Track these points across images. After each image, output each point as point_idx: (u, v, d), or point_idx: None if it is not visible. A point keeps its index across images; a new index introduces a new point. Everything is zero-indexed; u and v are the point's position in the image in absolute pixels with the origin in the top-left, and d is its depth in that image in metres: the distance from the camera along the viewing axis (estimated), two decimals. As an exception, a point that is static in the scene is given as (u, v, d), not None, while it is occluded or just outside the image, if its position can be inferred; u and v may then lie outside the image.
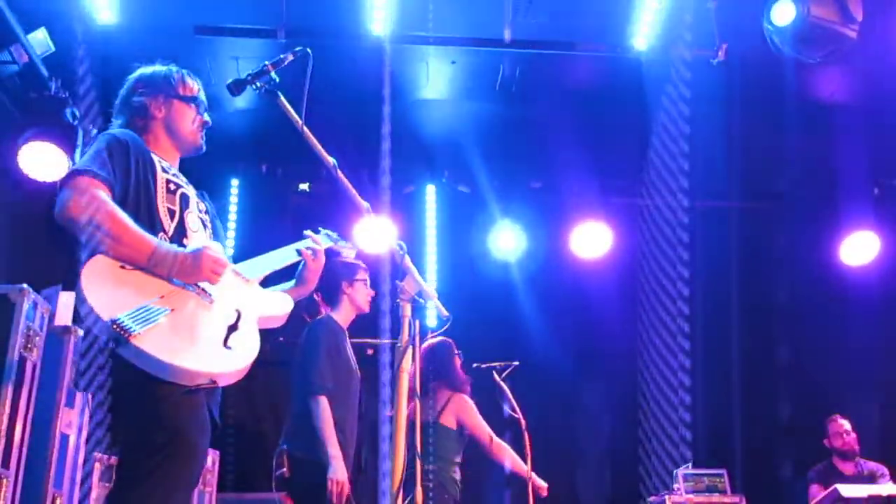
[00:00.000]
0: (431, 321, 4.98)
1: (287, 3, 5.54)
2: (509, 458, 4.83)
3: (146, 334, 2.21)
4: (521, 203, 7.31)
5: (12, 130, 5.51)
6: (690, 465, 6.30)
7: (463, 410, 4.76)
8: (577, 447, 7.33)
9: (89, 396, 4.16)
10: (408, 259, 2.84)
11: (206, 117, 2.83)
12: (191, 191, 2.73)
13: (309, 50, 2.57)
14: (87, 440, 4.19)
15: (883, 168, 7.27)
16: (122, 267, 2.35)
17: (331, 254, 3.22)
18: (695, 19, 5.72)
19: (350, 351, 4.12)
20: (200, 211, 2.74)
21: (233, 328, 2.45)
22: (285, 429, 4.07)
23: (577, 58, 6.23)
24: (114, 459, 4.37)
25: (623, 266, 7.24)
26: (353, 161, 6.20)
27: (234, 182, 7.24)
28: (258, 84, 2.54)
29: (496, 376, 4.90)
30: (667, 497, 6.08)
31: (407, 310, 2.84)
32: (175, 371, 2.23)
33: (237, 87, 2.54)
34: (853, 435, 6.32)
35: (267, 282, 2.85)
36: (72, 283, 2.45)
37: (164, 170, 2.65)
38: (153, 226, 2.50)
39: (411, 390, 2.81)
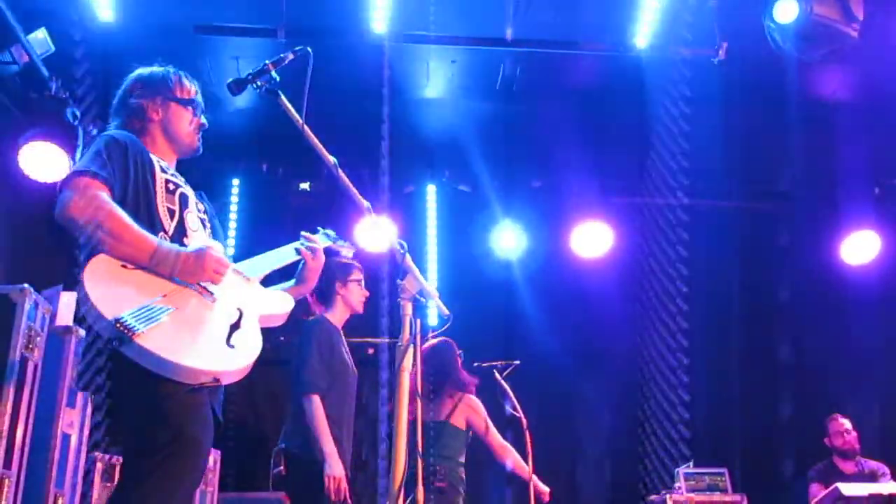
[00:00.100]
0: (432, 320, 4.99)
1: (287, 2, 5.54)
2: (511, 460, 4.84)
3: (149, 333, 2.21)
4: (522, 202, 7.31)
5: (13, 130, 5.52)
6: (691, 463, 6.30)
7: (474, 411, 4.77)
8: (577, 446, 7.34)
9: (90, 396, 4.17)
10: (409, 258, 2.84)
11: (203, 120, 2.83)
12: (189, 191, 2.73)
13: (309, 49, 2.57)
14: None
15: (883, 167, 7.27)
16: (124, 266, 2.35)
17: (329, 253, 3.21)
18: (695, 18, 5.72)
19: (346, 350, 4.12)
20: (199, 211, 2.74)
21: (235, 327, 2.45)
22: (284, 428, 4.08)
23: (577, 57, 6.24)
24: (115, 459, 4.38)
25: (624, 265, 7.24)
26: (353, 160, 6.23)
27: (235, 182, 7.25)
28: (259, 83, 2.54)
29: (497, 375, 4.89)
30: (668, 496, 6.08)
31: (408, 309, 2.83)
32: (179, 370, 2.24)
33: (238, 87, 2.54)
34: (854, 434, 6.31)
35: (267, 281, 2.85)
36: (73, 283, 2.45)
37: (162, 170, 2.65)
38: (153, 225, 2.50)
39: (412, 390, 2.81)
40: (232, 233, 7.03)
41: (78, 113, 5.58)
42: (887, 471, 6.19)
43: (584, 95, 6.53)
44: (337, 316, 4.15)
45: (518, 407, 4.80)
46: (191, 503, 2.43)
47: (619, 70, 6.20)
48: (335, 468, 3.72)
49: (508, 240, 7.16)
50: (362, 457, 6.29)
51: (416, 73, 6.41)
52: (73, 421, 3.97)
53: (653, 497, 6.39)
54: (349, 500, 3.84)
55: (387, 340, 6.00)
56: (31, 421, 3.52)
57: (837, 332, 7.00)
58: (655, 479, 6.87)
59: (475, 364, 4.96)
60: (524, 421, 4.76)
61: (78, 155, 5.42)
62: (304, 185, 7.25)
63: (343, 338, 4.15)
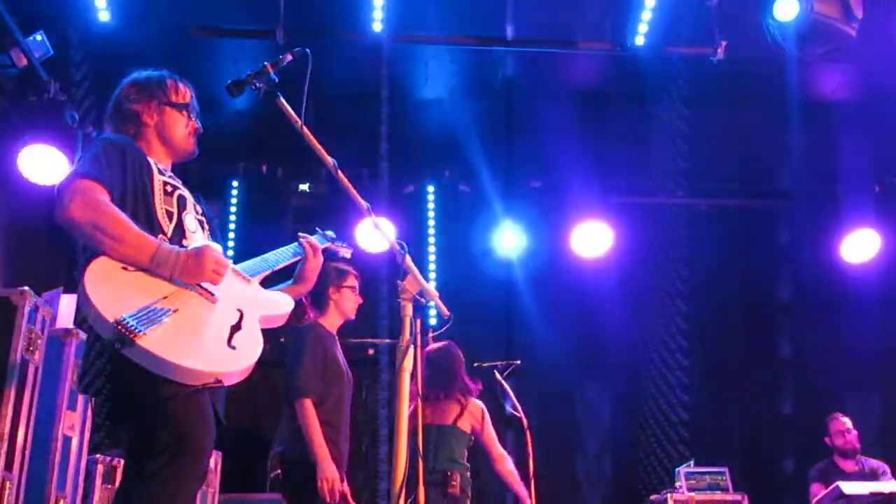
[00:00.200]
0: (432, 320, 4.98)
1: (286, 3, 5.54)
2: (506, 471, 4.80)
3: (151, 334, 2.21)
4: (522, 202, 7.30)
5: (12, 134, 5.51)
6: (692, 463, 6.30)
7: (479, 417, 4.76)
8: (578, 446, 7.34)
9: (91, 399, 4.17)
10: (409, 258, 2.84)
11: (199, 124, 2.83)
12: (187, 192, 2.73)
13: (308, 50, 2.57)
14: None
15: (884, 165, 7.27)
16: (125, 268, 2.35)
17: (328, 254, 3.21)
18: (695, 17, 5.72)
19: (340, 354, 4.12)
20: (197, 212, 2.73)
21: (236, 328, 2.45)
22: (278, 432, 4.09)
23: (576, 56, 6.24)
24: (116, 461, 4.38)
25: (624, 265, 7.24)
26: (353, 161, 6.22)
27: (234, 182, 7.24)
28: (258, 85, 2.53)
29: (498, 375, 4.89)
30: (669, 495, 6.08)
31: (408, 309, 2.83)
32: (181, 371, 2.23)
33: (237, 88, 2.53)
34: (854, 433, 6.31)
35: (266, 282, 2.85)
36: (72, 285, 2.44)
37: (160, 172, 2.65)
38: (152, 227, 2.50)
39: (412, 391, 2.80)
40: (232, 234, 7.03)
41: (77, 115, 5.58)
42: (888, 469, 6.19)
43: (583, 95, 6.53)
44: (330, 321, 4.15)
45: (518, 407, 4.80)
46: (192, 504, 2.43)
47: (618, 69, 6.21)
48: (328, 471, 3.73)
49: (508, 240, 7.15)
50: (363, 456, 6.29)
51: (415, 74, 6.42)
52: (74, 423, 3.97)
53: (654, 496, 6.39)
54: (349, 501, 3.86)
55: (387, 341, 6.00)
56: (31, 423, 3.52)
57: (837, 331, 6.99)
58: (655, 479, 6.87)
59: (475, 364, 4.95)
60: (524, 421, 4.76)
61: (77, 158, 5.41)
62: (304, 186, 7.25)
63: (338, 342, 4.15)
